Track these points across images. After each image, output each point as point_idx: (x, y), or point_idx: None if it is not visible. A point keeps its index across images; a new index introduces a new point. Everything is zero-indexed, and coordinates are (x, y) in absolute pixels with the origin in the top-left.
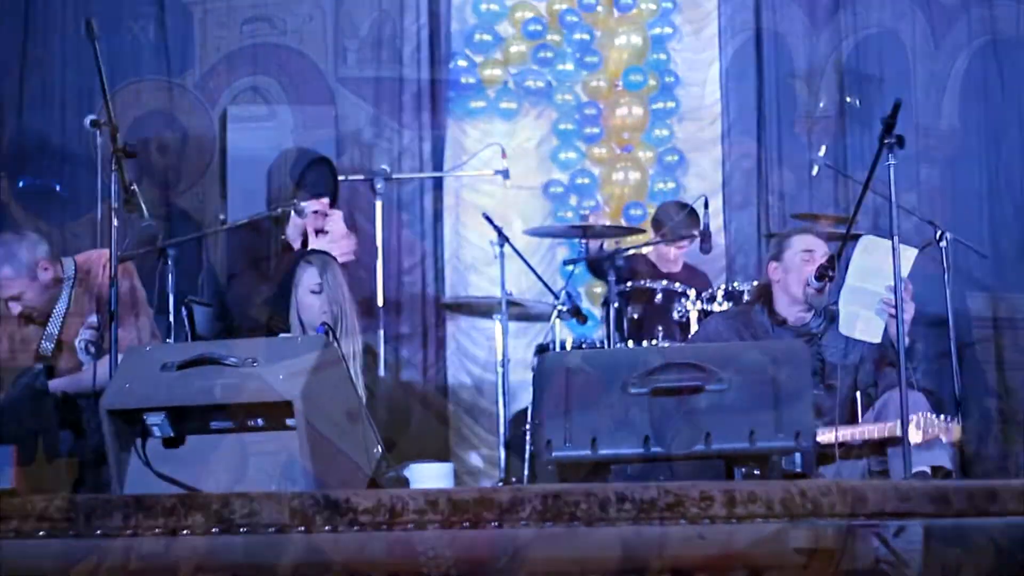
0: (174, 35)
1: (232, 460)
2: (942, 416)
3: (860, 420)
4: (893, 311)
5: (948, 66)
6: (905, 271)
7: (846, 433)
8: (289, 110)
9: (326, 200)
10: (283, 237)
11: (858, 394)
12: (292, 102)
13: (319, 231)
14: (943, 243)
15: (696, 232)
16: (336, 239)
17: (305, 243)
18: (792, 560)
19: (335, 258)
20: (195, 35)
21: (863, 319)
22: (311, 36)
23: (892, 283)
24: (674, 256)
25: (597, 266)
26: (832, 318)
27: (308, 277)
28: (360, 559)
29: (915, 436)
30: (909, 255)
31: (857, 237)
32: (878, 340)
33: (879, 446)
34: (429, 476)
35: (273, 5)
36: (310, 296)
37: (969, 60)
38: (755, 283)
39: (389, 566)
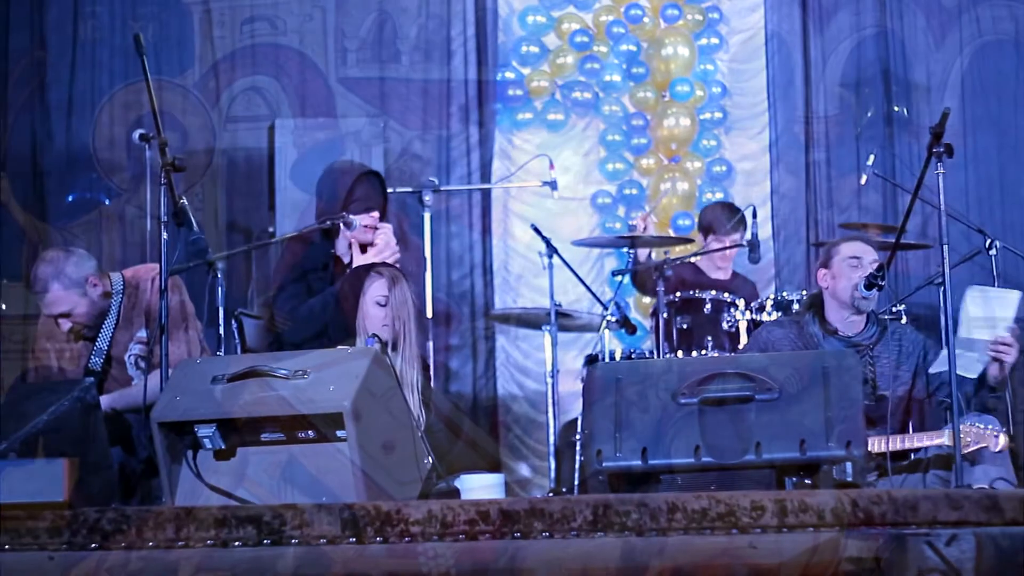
0: (174, 35)
1: (282, 472)
2: (990, 426)
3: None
4: (998, 354)
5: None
6: (1011, 313)
7: (896, 442)
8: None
9: (376, 214)
10: (332, 251)
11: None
12: (293, 105)
13: (367, 244)
14: (993, 251)
15: (743, 235)
16: (381, 251)
17: (354, 255)
18: (844, 570)
19: (405, 275)
20: (195, 35)
21: (965, 357)
22: (311, 36)
23: (1002, 330)
24: (723, 263)
25: (641, 279)
26: (884, 328)
27: (376, 288)
28: (360, 565)
29: (964, 447)
30: (1013, 298)
31: (907, 247)
32: (973, 376)
33: (944, 460)
34: (480, 487)
35: (273, 5)
36: (375, 307)
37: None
38: (804, 292)
39: (390, 572)
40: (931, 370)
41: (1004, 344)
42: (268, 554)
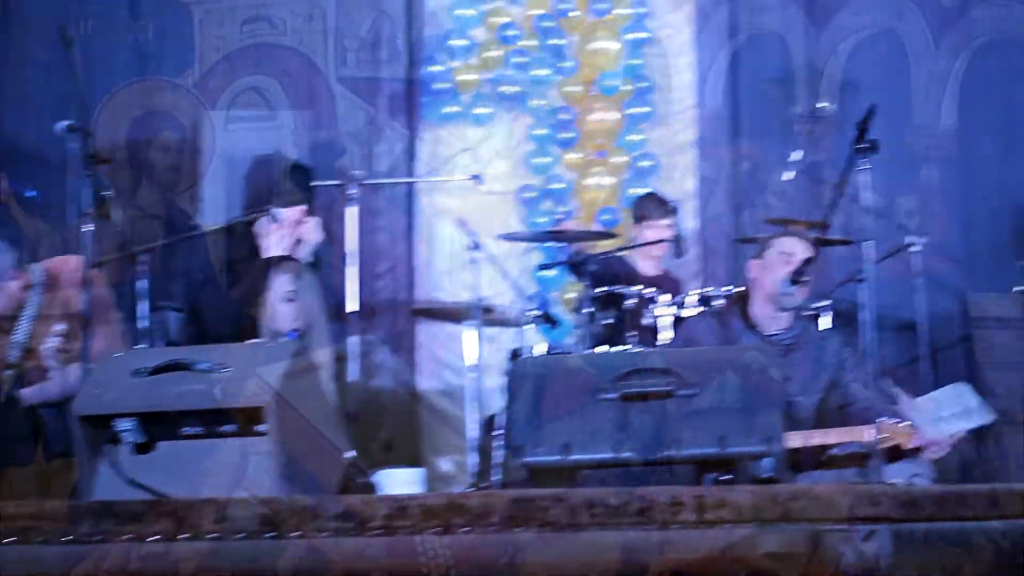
0: (174, 35)
1: (203, 465)
2: (908, 423)
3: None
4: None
5: (948, 66)
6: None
7: (816, 437)
8: (284, 113)
9: (303, 207)
10: (256, 242)
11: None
12: (293, 105)
13: (293, 237)
14: (914, 248)
15: (673, 227)
16: (307, 243)
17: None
18: (762, 565)
19: (312, 266)
20: (195, 35)
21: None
22: (311, 36)
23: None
24: (656, 252)
25: (576, 270)
26: (803, 333)
27: (282, 285)
28: (360, 562)
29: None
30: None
31: (831, 242)
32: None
33: (862, 457)
34: (400, 481)
35: (273, 5)
36: (282, 304)
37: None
38: (728, 288)
39: (389, 569)
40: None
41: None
42: (266, 553)
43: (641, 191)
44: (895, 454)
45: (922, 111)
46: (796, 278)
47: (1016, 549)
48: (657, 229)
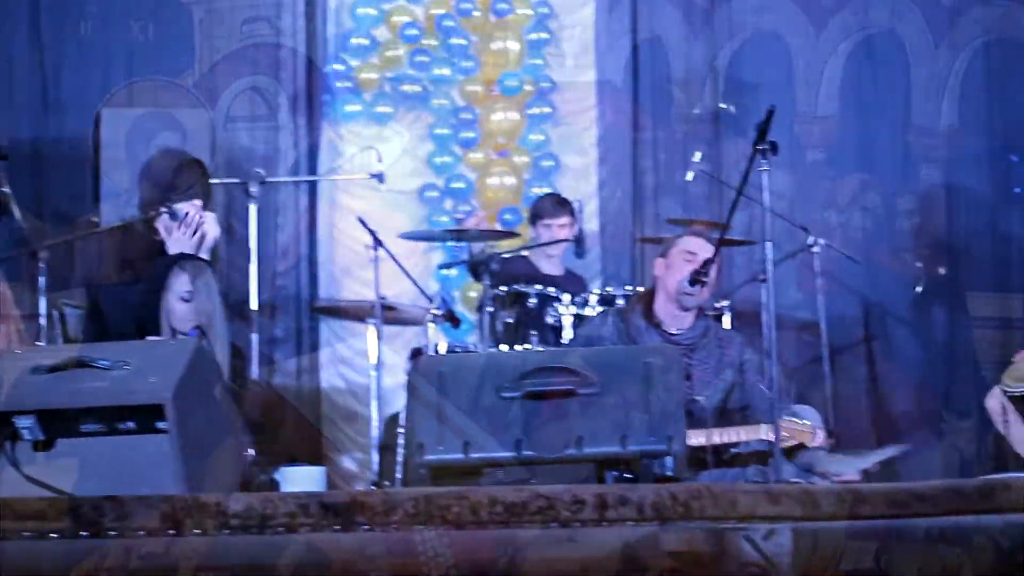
0: (174, 35)
1: (105, 463)
2: (808, 422)
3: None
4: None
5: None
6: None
7: (716, 436)
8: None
9: (199, 202)
10: (156, 239)
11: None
12: (293, 105)
13: (195, 235)
14: (815, 248)
15: (571, 225)
16: (207, 240)
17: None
18: (663, 563)
19: (210, 264)
20: (195, 35)
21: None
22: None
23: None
24: (553, 252)
25: (476, 269)
26: (706, 333)
27: (179, 284)
28: (360, 560)
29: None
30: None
31: (733, 243)
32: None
33: (764, 456)
34: (300, 479)
35: (273, 5)
36: (180, 303)
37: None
38: (629, 288)
39: (389, 568)
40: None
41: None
42: (267, 551)
43: (542, 191)
44: (797, 452)
45: (806, 100)
46: (697, 277)
47: (919, 547)
48: (557, 228)
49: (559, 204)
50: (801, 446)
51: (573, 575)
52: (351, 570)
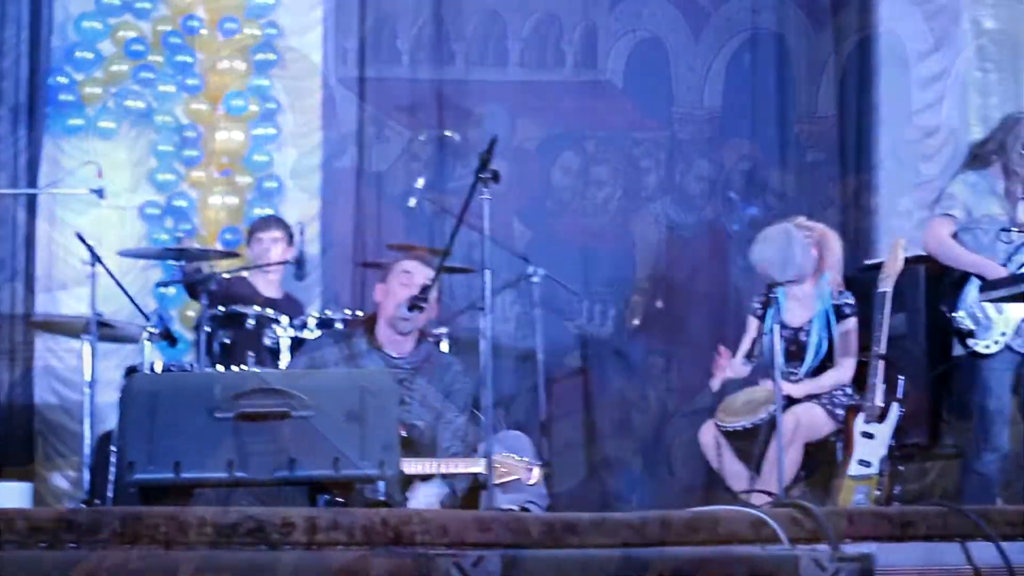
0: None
1: None
2: (525, 458)
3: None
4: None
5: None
6: None
7: (430, 466)
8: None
9: None
10: None
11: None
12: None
13: None
14: (535, 279)
15: (289, 247)
16: None
17: None
18: None
19: None
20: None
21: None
22: (311, 36)
23: None
24: (273, 277)
25: (193, 288)
26: (428, 358)
27: None
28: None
29: (498, 477)
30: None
31: (454, 270)
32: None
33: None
34: (6, 496)
35: (273, 5)
36: None
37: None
38: (348, 312)
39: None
40: None
41: None
42: (265, 559)
43: (264, 212)
44: (510, 488)
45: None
46: (415, 303)
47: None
48: (268, 242)
49: (281, 226)
50: (516, 481)
51: None
52: None
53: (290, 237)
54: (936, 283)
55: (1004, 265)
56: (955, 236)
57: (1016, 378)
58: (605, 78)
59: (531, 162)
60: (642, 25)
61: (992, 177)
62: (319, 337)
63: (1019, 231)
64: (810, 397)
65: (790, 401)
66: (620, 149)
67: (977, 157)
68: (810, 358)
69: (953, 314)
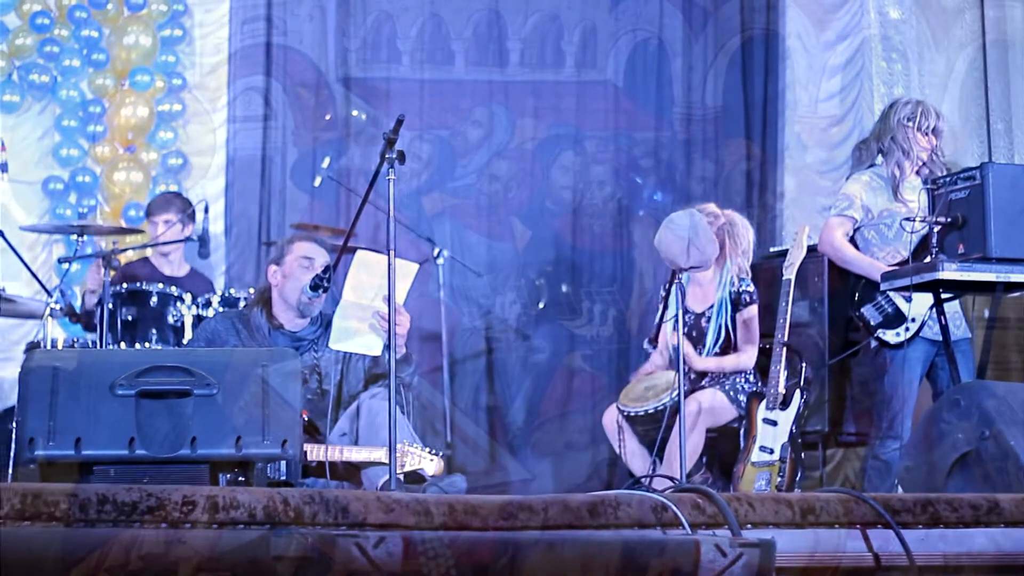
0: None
1: None
2: (428, 449)
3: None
4: (386, 324)
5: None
6: (405, 286)
7: (335, 452)
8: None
9: None
10: None
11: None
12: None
13: None
14: (440, 260)
15: (192, 223)
16: None
17: None
18: (273, 568)
19: None
20: (195, 35)
21: (360, 333)
22: (311, 36)
23: (386, 297)
24: (173, 256)
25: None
26: (328, 325)
27: None
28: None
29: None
30: (409, 270)
31: (354, 250)
32: (377, 353)
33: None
34: None
35: (273, 5)
36: None
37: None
38: (252, 290)
39: (389, 568)
40: None
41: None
42: (267, 549)
43: (169, 188)
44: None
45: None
46: (319, 283)
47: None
48: (162, 225)
49: (167, 201)
50: (415, 473)
51: None
52: (353, 570)
53: (190, 216)
54: (842, 273)
55: (912, 254)
56: (855, 235)
57: (930, 367)
58: (605, 78)
59: (531, 162)
60: (642, 25)
61: (888, 174)
62: (215, 315)
63: (922, 220)
64: (712, 381)
65: (692, 387)
66: (620, 149)
67: (862, 155)
68: (709, 343)
69: (862, 309)
